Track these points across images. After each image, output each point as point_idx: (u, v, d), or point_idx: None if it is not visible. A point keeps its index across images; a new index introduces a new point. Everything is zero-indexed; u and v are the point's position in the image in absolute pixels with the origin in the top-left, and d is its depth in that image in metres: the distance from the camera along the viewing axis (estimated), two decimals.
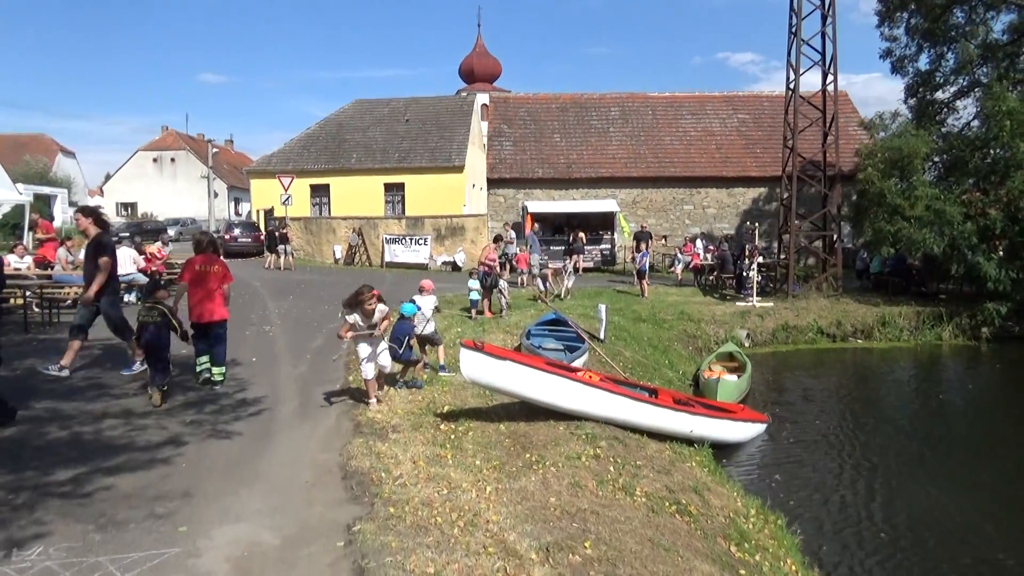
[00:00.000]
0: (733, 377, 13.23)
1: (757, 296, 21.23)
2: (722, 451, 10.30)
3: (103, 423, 7.84)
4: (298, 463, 6.93)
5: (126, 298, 15.71)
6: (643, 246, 23.33)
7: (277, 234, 28.26)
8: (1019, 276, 19.52)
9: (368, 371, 8.72)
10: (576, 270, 27.13)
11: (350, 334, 8.57)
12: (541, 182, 32.27)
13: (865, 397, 15.23)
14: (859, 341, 20.04)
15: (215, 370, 9.81)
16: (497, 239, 18.87)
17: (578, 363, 11.07)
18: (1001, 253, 19.99)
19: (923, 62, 24.15)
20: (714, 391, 12.41)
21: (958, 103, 24.27)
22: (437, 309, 10.81)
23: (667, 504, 6.77)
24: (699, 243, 29.04)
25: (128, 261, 16.99)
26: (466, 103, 41.34)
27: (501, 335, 14.43)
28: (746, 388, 13.80)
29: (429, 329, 10.76)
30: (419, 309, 10.44)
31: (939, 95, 24.01)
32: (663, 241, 31.99)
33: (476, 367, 8.12)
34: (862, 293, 22.97)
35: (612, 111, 35.34)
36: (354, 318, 8.52)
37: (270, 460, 6.97)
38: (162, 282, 13.78)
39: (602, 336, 14.72)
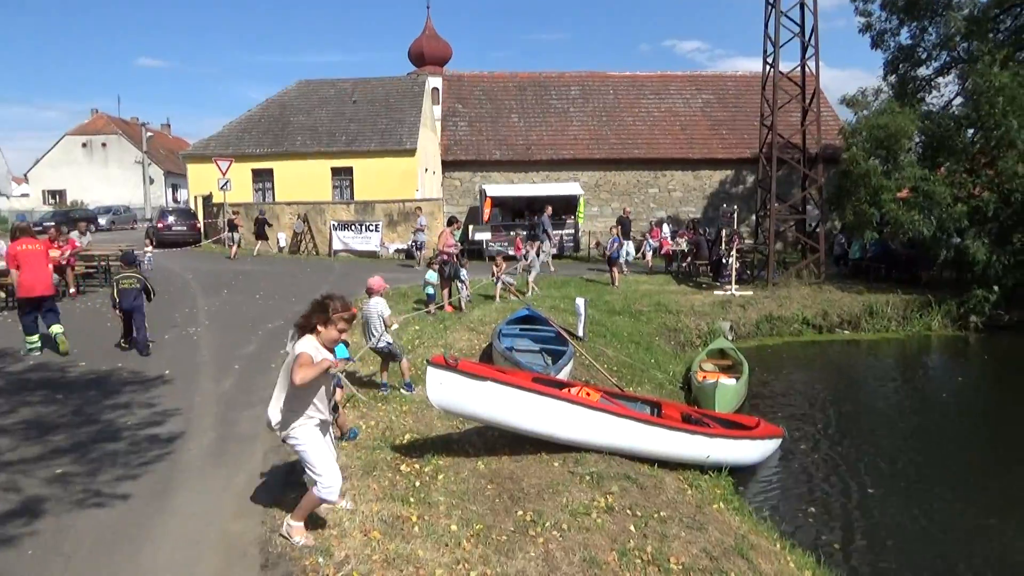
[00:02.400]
0: (732, 381, 11.55)
1: (735, 284, 19.69)
2: (736, 474, 8.57)
3: None
4: (201, 540, 4.95)
5: None
6: (615, 231, 21.55)
7: (257, 220, 27.25)
8: (1010, 261, 18.29)
9: (332, 477, 4.87)
10: (539, 254, 25.36)
11: (310, 374, 4.53)
12: (499, 164, 30.27)
13: (873, 400, 13.74)
14: (846, 332, 18.64)
15: (55, 329, 10.32)
16: (451, 222, 16.89)
17: (564, 373, 9.21)
18: (989, 238, 18.70)
19: (904, 36, 22.87)
20: (711, 397, 10.70)
21: (940, 80, 23.04)
22: (386, 326, 8.70)
23: None
24: (666, 228, 27.44)
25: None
26: (417, 84, 39.16)
27: (466, 334, 12.54)
28: (745, 392, 12.14)
29: (385, 342, 8.80)
30: (367, 316, 8.53)
31: (921, 71, 22.74)
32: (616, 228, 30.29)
33: (448, 391, 6.15)
34: (842, 280, 21.62)
35: (572, 90, 33.47)
36: (312, 347, 4.71)
37: (161, 537, 4.98)
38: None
39: (580, 333, 12.92)
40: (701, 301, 18.83)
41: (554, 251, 24.84)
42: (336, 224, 28.82)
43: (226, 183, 28.67)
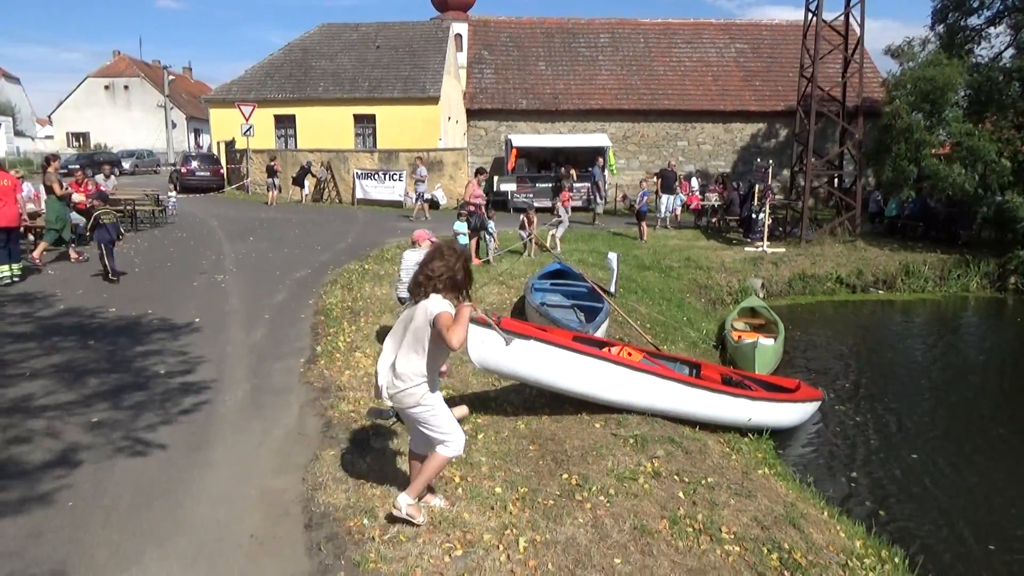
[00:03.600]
0: (770, 341, 11.24)
1: (767, 241, 19.27)
2: (775, 436, 8.35)
3: None
4: (241, 497, 4.82)
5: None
6: (646, 184, 21.09)
7: (302, 168, 27.28)
8: None
9: (458, 431, 4.51)
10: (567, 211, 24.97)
11: (463, 332, 4.13)
12: (525, 114, 29.64)
13: (909, 362, 13.42)
14: (880, 292, 18.22)
15: (15, 267, 11.17)
16: (479, 172, 16.52)
17: (600, 331, 8.97)
18: None
19: None
20: (750, 358, 10.43)
21: (991, 30, 22.04)
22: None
23: (766, 551, 4.80)
24: (694, 182, 26.86)
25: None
26: (441, 29, 38.40)
27: (496, 288, 12.32)
28: (781, 353, 11.88)
29: None
30: (406, 267, 8.26)
31: (972, 20, 21.76)
32: (654, 179, 29.74)
33: (489, 350, 5.94)
34: (877, 238, 21.07)
35: (601, 38, 32.57)
36: (447, 304, 4.21)
37: (200, 491, 4.86)
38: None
39: (612, 289, 12.64)
40: (732, 257, 18.45)
41: (602, 204, 24.46)
42: (359, 173, 28.49)
43: (249, 128, 28.42)
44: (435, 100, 33.43)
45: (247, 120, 28.31)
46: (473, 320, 5.99)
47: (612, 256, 12.79)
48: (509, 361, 6.07)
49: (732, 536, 4.89)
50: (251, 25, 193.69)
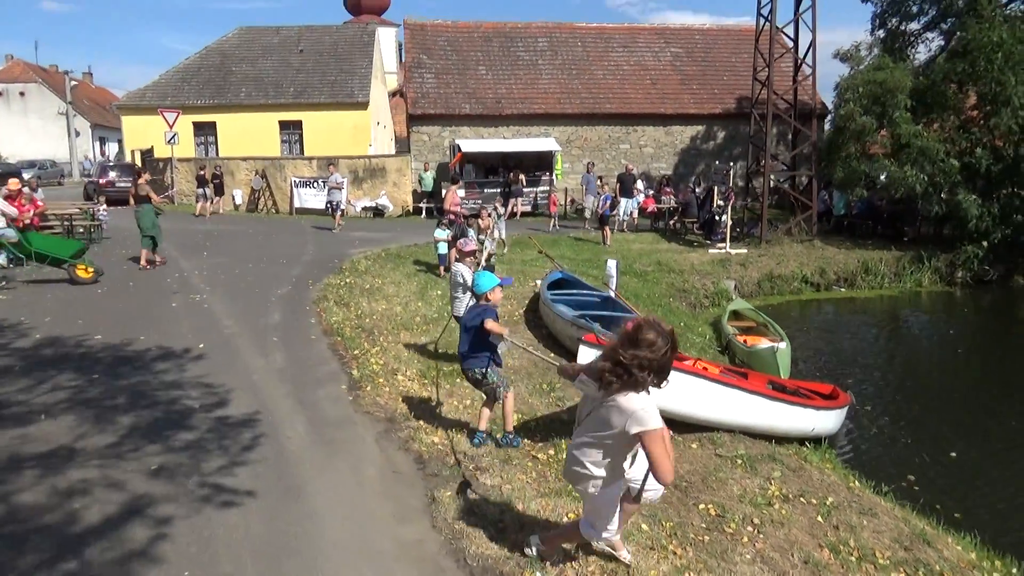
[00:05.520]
0: (783, 345, 11.22)
1: (728, 242, 19.49)
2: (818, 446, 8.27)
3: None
4: (377, 551, 4.28)
5: None
6: (606, 189, 21.01)
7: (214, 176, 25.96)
8: (998, 216, 18.62)
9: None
10: (514, 214, 24.66)
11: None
12: (469, 119, 29.13)
13: (892, 356, 13.84)
14: (842, 289, 18.72)
15: None
16: (455, 179, 16.05)
17: None
18: (977, 193, 18.93)
19: None
20: (772, 364, 10.33)
21: (928, 34, 23.04)
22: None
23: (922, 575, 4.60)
24: (640, 184, 27.01)
25: None
26: (366, 33, 37.69)
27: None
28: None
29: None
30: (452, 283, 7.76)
31: (912, 25, 22.67)
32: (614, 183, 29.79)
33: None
34: (827, 236, 21.67)
35: (540, 42, 32.42)
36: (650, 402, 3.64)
37: (328, 548, 4.29)
38: None
39: (612, 296, 12.40)
40: (699, 260, 18.56)
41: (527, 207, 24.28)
42: (297, 181, 27.40)
43: (174, 136, 26.93)
44: (364, 105, 32.66)
45: (171, 127, 26.80)
46: (583, 341, 5.62)
47: (612, 263, 12.53)
48: None
49: (889, 561, 4.68)
50: (146, 27, 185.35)
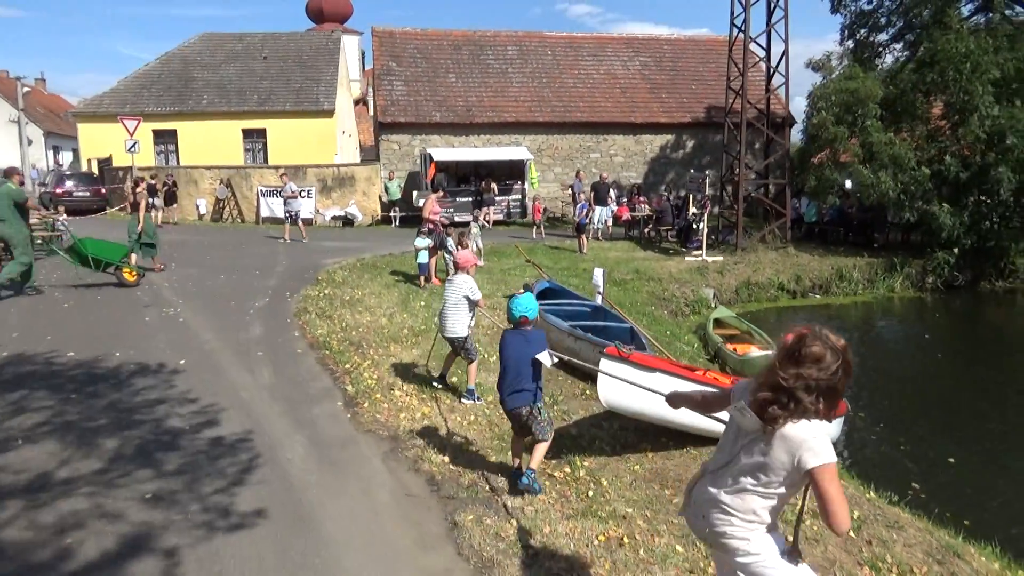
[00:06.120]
0: (771, 353, 11.13)
1: (704, 250, 19.50)
2: None
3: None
4: None
5: None
6: (582, 197, 20.93)
7: (159, 187, 24.76)
8: (967, 223, 18.93)
9: None
10: (486, 223, 24.42)
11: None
12: (439, 127, 28.84)
13: (874, 363, 13.84)
14: (818, 296, 18.85)
15: None
16: (437, 188, 15.79)
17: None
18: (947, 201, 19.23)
19: (863, 1, 22.99)
20: None
21: (895, 45, 23.43)
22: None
23: None
24: (612, 193, 26.98)
25: None
26: (331, 40, 37.35)
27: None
28: None
29: (466, 330, 7.43)
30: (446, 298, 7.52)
31: (882, 36, 23.05)
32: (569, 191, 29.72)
33: (621, 388, 5.28)
34: (800, 243, 21.81)
35: (509, 50, 32.29)
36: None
37: None
38: None
39: (599, 304, 12.22)
40: (677, 267, 18.51)
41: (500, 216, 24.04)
42: (264, 190, 26.84)
43: (134, 144, 26.14)
44: (330, 113, 32.29)
45: (131, 135, 26.01)
46: (605, 354, 5.38)
47: (598, 271, 12.36)
48: (639, 399, 5.43)
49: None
50: (101, 34, 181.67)
